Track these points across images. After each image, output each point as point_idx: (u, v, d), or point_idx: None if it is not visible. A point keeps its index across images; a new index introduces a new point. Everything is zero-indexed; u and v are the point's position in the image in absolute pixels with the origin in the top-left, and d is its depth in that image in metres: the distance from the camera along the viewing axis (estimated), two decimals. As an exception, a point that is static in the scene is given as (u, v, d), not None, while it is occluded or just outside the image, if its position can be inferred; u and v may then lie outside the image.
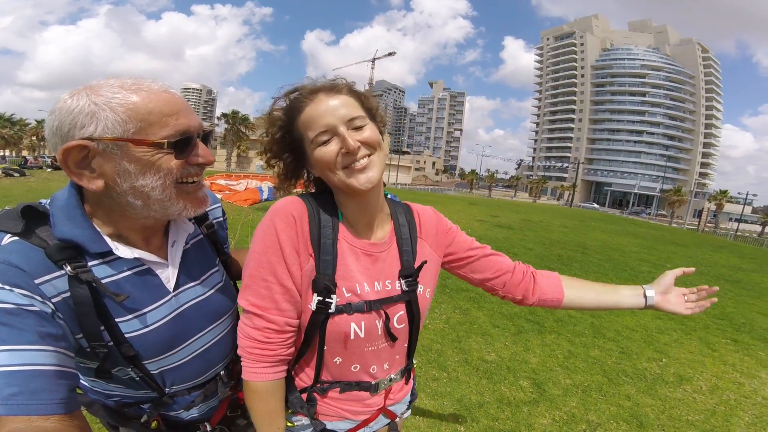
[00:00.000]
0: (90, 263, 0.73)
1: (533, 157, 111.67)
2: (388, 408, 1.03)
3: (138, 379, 0.82)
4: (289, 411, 0.94)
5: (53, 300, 0.68)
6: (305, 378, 0.94)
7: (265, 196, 14.56)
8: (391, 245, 0.96)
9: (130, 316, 0.77)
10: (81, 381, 0.87)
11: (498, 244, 10.07)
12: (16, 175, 21.67)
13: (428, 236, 1.03)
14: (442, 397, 2.95)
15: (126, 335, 0.77)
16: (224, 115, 62.46)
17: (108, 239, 0.76)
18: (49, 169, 28.01)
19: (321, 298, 0.84)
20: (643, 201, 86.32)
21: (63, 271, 0.69)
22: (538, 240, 11.65)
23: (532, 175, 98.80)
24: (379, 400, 1.00)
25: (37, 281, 0.66)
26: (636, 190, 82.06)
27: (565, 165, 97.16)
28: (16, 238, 0.69)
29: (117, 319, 0.76)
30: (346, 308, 0.86)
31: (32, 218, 0.71)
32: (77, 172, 0.71)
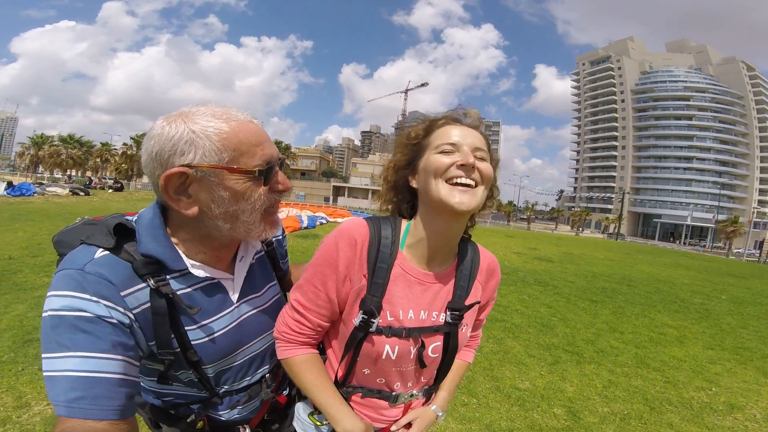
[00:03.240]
0: (167, 277, 0.80)
1: (575, 188, 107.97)
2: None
3: (196, 380, 0.89)
4: (318, 412, 0.99)
5: (134, 311, 0.75)
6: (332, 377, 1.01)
7: (305, 224, 15.03)
8: (449, 279, 0.99)
9: (197, 326, 0.84)
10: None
11: (537, 276, 9.81)
12: (81, 194, 23.35)
13: (484, 282, 1.06)
14: (471, 422, 2.94)
15: (192, 342, 0.83)
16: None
17: (184, 257, 0.82)
18: (110, 191, 29.96)
19: (365, 317, 0.90)
20: (697, 233, 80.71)
21: (146, 284, 0.76)
22: (580, 273, 11.24)
23: (574, 207, 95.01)
24: (398, 412, 1.03)
25: (122, 293, 0.73)
26: (689, 222, 76.69)
27: (610, 196, 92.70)
28: (108, 252, 0.75)
29: (186, 328, 0.82)
30: (385, 330, 0.91)
31: (122, 235, 0.78)
32: (175, 198, 0.77)
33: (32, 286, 4.99)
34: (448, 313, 0.97)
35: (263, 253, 1.05)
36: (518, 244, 19.65)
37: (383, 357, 0.93)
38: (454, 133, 0.91)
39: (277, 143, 64.15)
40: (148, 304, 0.76)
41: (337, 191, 68.26)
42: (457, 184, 0.87)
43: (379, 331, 0.91)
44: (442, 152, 0.89)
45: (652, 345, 5.10)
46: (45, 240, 8.06)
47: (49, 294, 0.70)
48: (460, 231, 0.97)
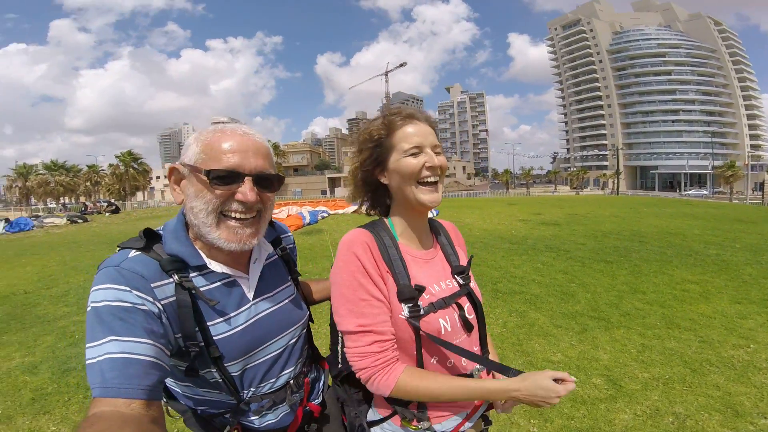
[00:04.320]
0: (191, 275, 0.89)
1: (567, 149, 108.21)
2: None
3: (221, 381, 0.92)
4: (406, 419, 1.01)
5: (162, 302, 0.83)
6: None
7: (307, 220, 14.89)
8: (437, 252, 1.14)
9: (218, 320, 0.91)
10: (175, 387, 0.99)
11: (547, 242, 9.71)
12: (80, 221, 23.14)
13: (457, 244, 1.23)
14: (512, 401, 2.83)
15: (214, 337, 0.89)
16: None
17: (203, 256, 0.92)
18: (107, 214, 29.56)
19: (411, 305, 0.96)
20: (696, 180, 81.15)
21: (171, 280, 0.85)
22: (589, 234, 11.10)
23: (570, 167, 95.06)
24: None
25: (152, 285, 0.82)
26: (686, 170, 77.16)
27: (604, 153, 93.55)
28: (139, 252, 0.86)
29: (208, 323, 0.89)
30: (431, 308, 0.99)
31: (151, 238, 0.89)
32: (173, 186, 0.93)
33: (54, 317, 5.11)
34: (457, 277, 1.10)
35: (276, 257, 1.13)
36: (521, 210, 19.55)
37: (442, 332, 0.99)
38: (416, 134, 1.02)
39: (265, 142, 64.18)
40: (174, 297, 0.84)
41: (333, 183, 67.76)
42: (426, 183, 1.01)
43: (427, 311, 0.98)
44: (411, 155, 1.00)
45: (678, 303, 4.99)
46: (55, 271, 8.18)
47: (91, 289, 0.80)
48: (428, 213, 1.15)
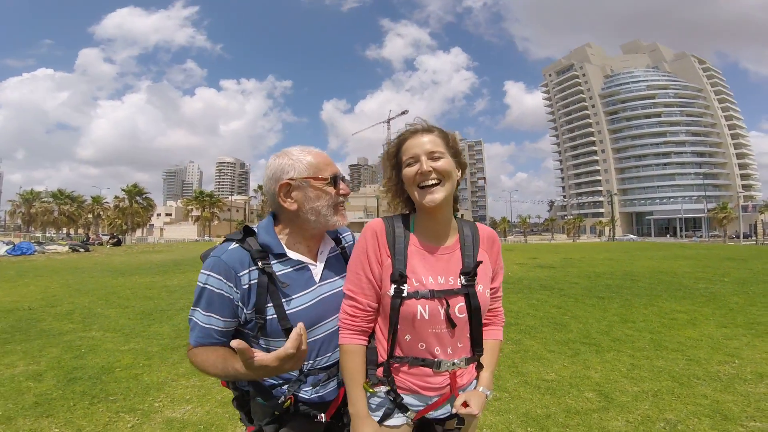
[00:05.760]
0: (272, 262, 1.16)
1: (563, 196, 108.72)
2: (459, 391, 1.18)
3: None
4: (370, 382, 1.15)
5: (244, 286, 1.11)
6: (382, 353, 1.17)
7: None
8: (455, 250, 1.21)
9: (290, 298, 1.16)
10: None
11: (542, 282, 9.90)
12: (81, 250, 23.53)
13: (488, 249, 1.28)
14: (507, 413, 2.98)
15: (287, 311, 1.13)
16: (260, 186, 65.96)
17: (284, 246, 1.20)
18: (109, 246, 29.82)
19: (396, 286, 1.12)
20: (691, 224, 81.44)
21: (256, 267, 1.13)
22: (582, 275, 11.34)
23: (566, 215, 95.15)
24: (443, 380, 1.16)
25: (239, 274, 1.11)
26: (681, 215, 77.53)
27: (599, 200, 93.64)
28: (237, 245, 1.15)
29: (282, 299, 1.14)
30: (414, 294, 1.12)
31: (247, 233, 1.19)
32: (284, 199, 1.20)
33: (59, 332, 5.19)
34: (462, 277, 1.16)
35: (338, 252, 1.36)
36: (518, 255, 19.78)
37: (418, 317, 1.12)
38: (413, 146, 1.17)
39: (266, 186, 66.04)
40: (256, 281, 1.12)
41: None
42: (425, 186, 1.14)
43: (410, 296, 1.12)
44: (408, 165, 1.17)
45: (666, 330, 5.17)
46: (59, 292, 8.33)
47: (201, 270, 1.14)
48: (448, 213, 1.23)
